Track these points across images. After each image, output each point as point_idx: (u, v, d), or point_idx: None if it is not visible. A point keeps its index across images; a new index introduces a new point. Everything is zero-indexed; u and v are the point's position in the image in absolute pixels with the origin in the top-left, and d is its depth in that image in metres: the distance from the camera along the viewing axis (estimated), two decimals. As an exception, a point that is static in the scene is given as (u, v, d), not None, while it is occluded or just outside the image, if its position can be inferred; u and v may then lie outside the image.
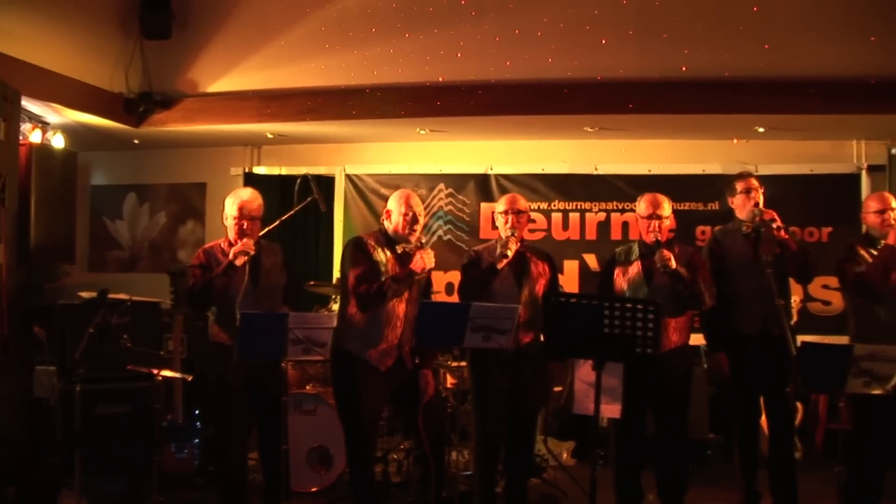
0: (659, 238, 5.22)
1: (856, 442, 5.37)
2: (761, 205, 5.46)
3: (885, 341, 4.97)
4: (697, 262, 5.34)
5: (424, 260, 4.93)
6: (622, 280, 5.42)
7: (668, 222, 5.34)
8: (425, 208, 7.82)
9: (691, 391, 5.64)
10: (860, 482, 5.35)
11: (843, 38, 6.51)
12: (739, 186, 5.57)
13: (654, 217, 5.29)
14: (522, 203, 5.43)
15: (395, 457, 6.29)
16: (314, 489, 6.04)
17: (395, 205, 5.14)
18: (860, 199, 7.52)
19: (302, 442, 6.00)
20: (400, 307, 5.02)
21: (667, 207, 5.35)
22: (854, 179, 7.66)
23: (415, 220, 5.10)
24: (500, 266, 5.17)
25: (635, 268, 5.40)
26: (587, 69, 6.81)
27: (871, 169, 7.67)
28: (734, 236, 5.56)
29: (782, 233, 5.25)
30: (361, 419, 5.01)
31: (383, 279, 4.94)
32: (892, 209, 5.32)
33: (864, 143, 7.85)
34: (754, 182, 5.55)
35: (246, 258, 4.98)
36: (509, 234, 5.28)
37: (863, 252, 5.33)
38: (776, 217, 5.28)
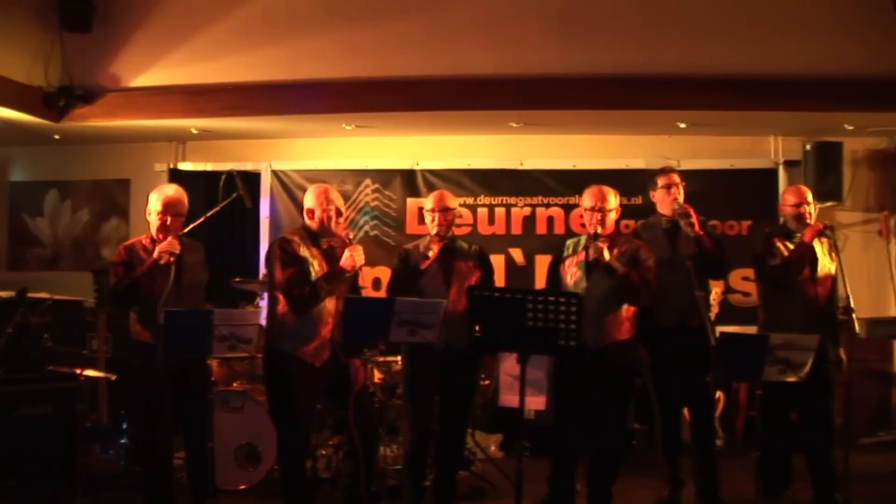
0: (599, 231, 5.26)
1: (763, 430, 5.56)
2: (681, 200, 5.56)
3: (792, 332, 5.16)
4: (642, 256, 5.39)
5: (354, 258, 4.90)
6: (567, 273, 5.45)
7: (614, 215, 5.36)
8: (351, 204, 7.87)
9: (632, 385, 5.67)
10: (771, 466, 5.56)
11: (763, 37, 6.69)
12: (660, 182, 5.66)
13: (597, 210, 5.30)
14: (450, 201, 5.42)
15: (325, 452, 6.26)
16: (242, 487, 5.98)
17: (314, 201, 5.09)
18: (778, 193, 7.74)
19: (229, 439, 5.94)
20: (331, 303, 5.00)
21: (612, 200, 5.34)
22: (772, 174, 7.88)
23: (338, 213, 5.10)
24: (422, 267, 5.21)
25: (579, 260, 5.43)
26: (513, 65, 6.88)
27: (788, 164, 7.90)
28: (655, 230, 5.65)
29: (696, 228, 5.36)
30: (297, 417, 4.99)
31: (314, 280, 4.92)
32: (809, 203, 5.50)
33: (782, 139, 8.07)
34: (675, 178, 5.64)
35: (171, 257, 4.93)
36: (433, 233, 5.31)
37: (779, 244, 5.50)
38: (692, 213, 5.38)
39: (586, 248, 5.34)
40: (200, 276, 5.22)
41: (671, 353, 5.49)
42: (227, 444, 5.87)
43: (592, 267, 5.27)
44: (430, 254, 5.20)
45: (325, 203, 5.06)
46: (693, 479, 5.62)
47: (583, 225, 5.48)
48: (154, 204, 5.08)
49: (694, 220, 5.34)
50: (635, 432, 7.17)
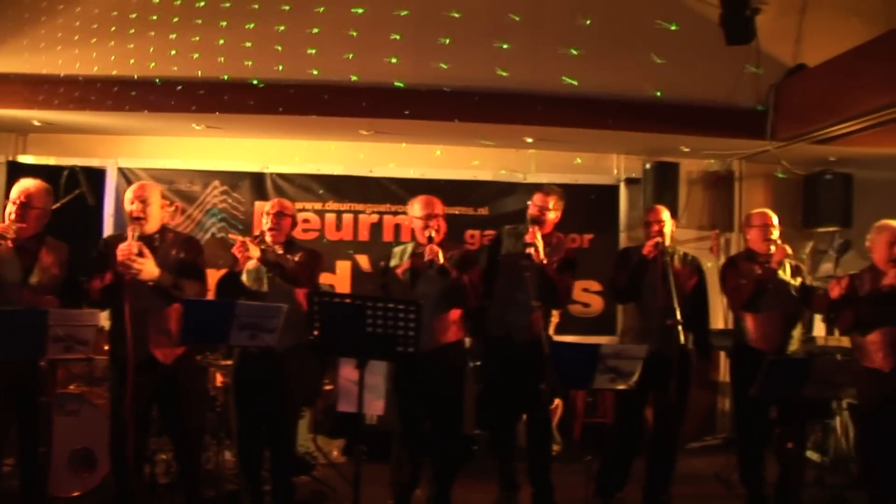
0: (433, 236, 5.39)
1: (616, 433, 5.82)
2: (548, 222, 5.76)
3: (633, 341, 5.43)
4: (469, 259, 5.55)
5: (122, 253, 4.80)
6: (396, 278, 5.56)
7: (442, 221, 5.54)
8: (199, 205, 7.74)
9: (464, 386, 5.83)
10: (614, 470, 5.82)
11: (609, 60, 6.95)
12: (532, 199, 5.84)
13: (430, 216, 5.48)
14: (287, 206, 5.49)
15: (164, 457, 6.16)
16: (76, 493, 5.82)
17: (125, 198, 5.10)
18: (618, 209, 8.07)
19: (65, 444, 5.77)
20: (141, 303, 4.90)
21: (439, 207, 5.56)
22: (613, 190, 8.18)
23: (144, 203, 5.01)
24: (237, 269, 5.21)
25: (405, 266, 5.56)
26: (365, 73, 6.93)
27: (629, 181, 8.23)
28: (517, 240, 5.80)
29: (539, 257, 5.52)
30: (125, 419, 4.89)
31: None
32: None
33: (624, 157, 8.39)
34: (539, 199, 5.80)
35: (4, 241, 4.79)
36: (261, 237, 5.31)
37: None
38: (535, 243, 5.53)
39: (414, 254, 5.48)
40: (54, 276, 5.07)
41: (511, 359, 5.66)
42: (61, 449, 5.70)
43: (419, 274, 5.44)
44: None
45: (130, 195, 5.06)
46: (530, 482, 5.79)
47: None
48: (12, 193, 5.01)
49: (536, 250, 5.51)
50: (475, 438, 7.31)
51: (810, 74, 6.96)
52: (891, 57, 5.91)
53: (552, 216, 5.77)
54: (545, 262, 5.53)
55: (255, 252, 5.06)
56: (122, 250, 4.76)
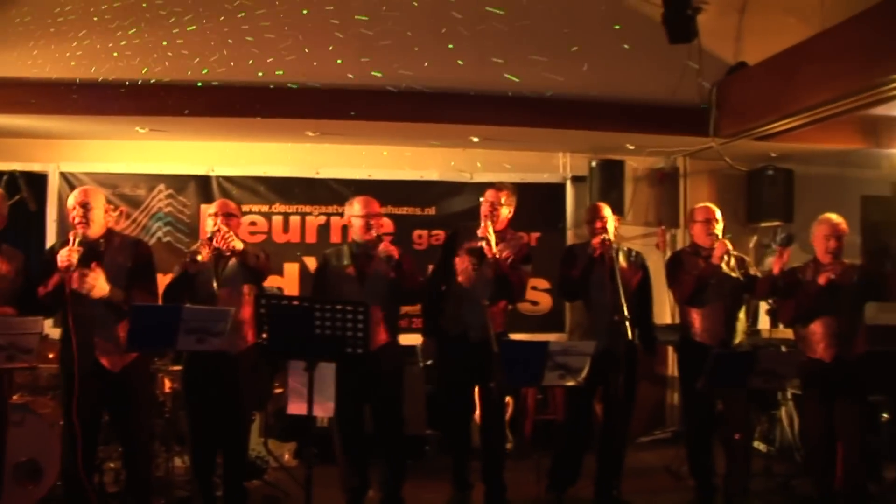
0: (378, 233, 5.48)
1: (566, 429, 5.88)
2: (501, 218, 5.80)
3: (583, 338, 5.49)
4: (405, 258, 5.55)
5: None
6: (336, 280, 5.58)
7: (384, 220, 5.67)
8: (144, 209, 7.65)
9: (404, 386, 5.84)
10: (565, 465, 5.88)
11: (554, 59, 6.98)
12: (485, 196, 5.86)
13: (372, 215, 5.53)
14: (232, 206, 5.49)
15: (112, 465, 6.09)
16: (20, 507, 5.73)
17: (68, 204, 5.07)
18: (565, 207, 8.12)
19: (9, 456, 5.66)
20: (81, 309, 4.86)
21: (378, 206, 5.61)
22: (560, 188, 8.23)
23: (85, 208, 4.97)
24: (191, 270, 5.16)
25: (349, 268, 5.56)
26: (310, 74, 6.89)
27: (575, 179, 8.29)
28: (472, 236, 5.82)
29: (491, 253, 5.58)
30: (72, 425, 4.83)
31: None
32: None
33: (570, 155, 8.46)
34: (491, 195, 5.82)
35: None
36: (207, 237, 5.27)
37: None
38: (487, 237, 5.59)
39: (354, 255, 5.57)
40: (11, 285, 4.98)
41: (460, 359, 5.68)
42: (6, 461, 5.58)
43: (365, 274, 5.54)
44: (200, 257, 5.11)
45: (71, 202, 5.03)
46: (483, 481, 5.81)
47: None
48: None
49: (489, 246, 5.57)
50: (427, 438, 7.33)
51: (751, 73, 7.08)
52: (826, 56, 6.04)
53: (505, 212, 5.81)
54: (498, 256, 5.57)
55: (238, 244, 5.08)
56: (61, 256, 4.71)
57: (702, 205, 6.09)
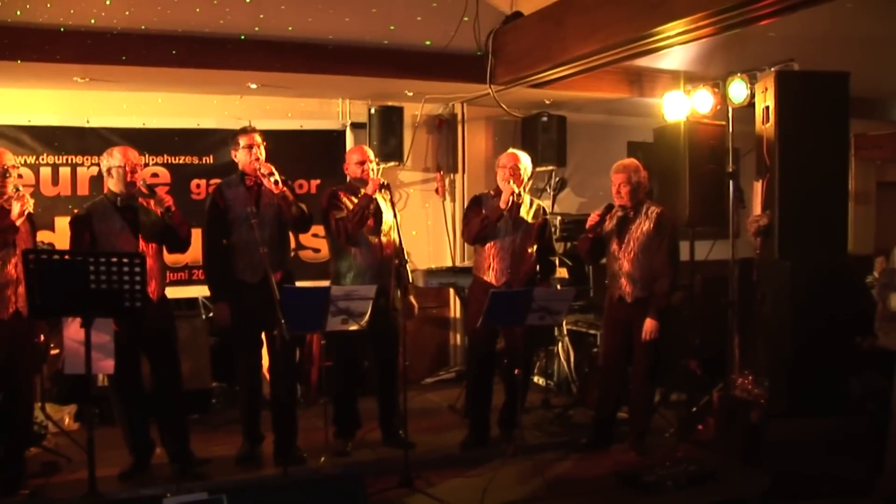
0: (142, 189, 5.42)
1: (335, 375, 5.97)
2: (262, 159, 5.74)
3: (364, 281, 5.57)
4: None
5: None
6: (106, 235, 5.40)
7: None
8: None
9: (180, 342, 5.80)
10: (346, 409, 5.98)
11: (332, 5, 6.89)
12: (242, 141, 5.80)
13: (135, 166, 5.45)
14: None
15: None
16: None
17: None
18: (345, 154, 8.12)
19: None
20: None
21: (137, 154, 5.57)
22: (340, 135, 8.20)
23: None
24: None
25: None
26: (77, 17, 6.46)
27: (355, 126, 8.28)
28: (237, 189, 5.78)
29: (278, 187, 5.56)
30: None
31: None
32: (371, 161, 6.02)
33: (349, 102, 8.46)
34: (256, 138, 5.80)
35: None
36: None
37: (345, 199, 5.88)
38: (274, 172, 5.58)
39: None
40: None
41: (252, 308, 5.62)
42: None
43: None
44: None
45: None
46: (273, 430, 5.83)
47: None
48: None
49: (276, 178, 5.56)
50: (213, 390, 7.24)
51: (525, 22, 7.26)
52: (593, 7, 6.27)
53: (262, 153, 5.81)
54: (283, 190, 5.60)
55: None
56: None
57: (509, 151, 6.31)
